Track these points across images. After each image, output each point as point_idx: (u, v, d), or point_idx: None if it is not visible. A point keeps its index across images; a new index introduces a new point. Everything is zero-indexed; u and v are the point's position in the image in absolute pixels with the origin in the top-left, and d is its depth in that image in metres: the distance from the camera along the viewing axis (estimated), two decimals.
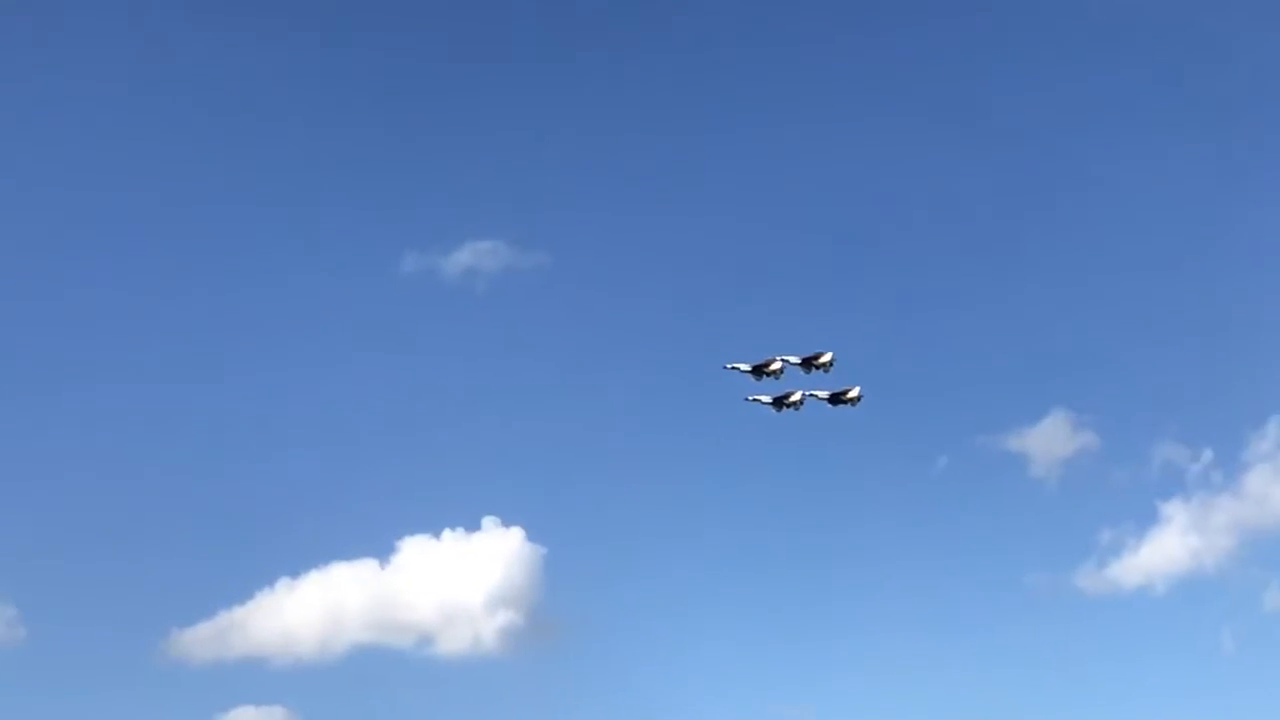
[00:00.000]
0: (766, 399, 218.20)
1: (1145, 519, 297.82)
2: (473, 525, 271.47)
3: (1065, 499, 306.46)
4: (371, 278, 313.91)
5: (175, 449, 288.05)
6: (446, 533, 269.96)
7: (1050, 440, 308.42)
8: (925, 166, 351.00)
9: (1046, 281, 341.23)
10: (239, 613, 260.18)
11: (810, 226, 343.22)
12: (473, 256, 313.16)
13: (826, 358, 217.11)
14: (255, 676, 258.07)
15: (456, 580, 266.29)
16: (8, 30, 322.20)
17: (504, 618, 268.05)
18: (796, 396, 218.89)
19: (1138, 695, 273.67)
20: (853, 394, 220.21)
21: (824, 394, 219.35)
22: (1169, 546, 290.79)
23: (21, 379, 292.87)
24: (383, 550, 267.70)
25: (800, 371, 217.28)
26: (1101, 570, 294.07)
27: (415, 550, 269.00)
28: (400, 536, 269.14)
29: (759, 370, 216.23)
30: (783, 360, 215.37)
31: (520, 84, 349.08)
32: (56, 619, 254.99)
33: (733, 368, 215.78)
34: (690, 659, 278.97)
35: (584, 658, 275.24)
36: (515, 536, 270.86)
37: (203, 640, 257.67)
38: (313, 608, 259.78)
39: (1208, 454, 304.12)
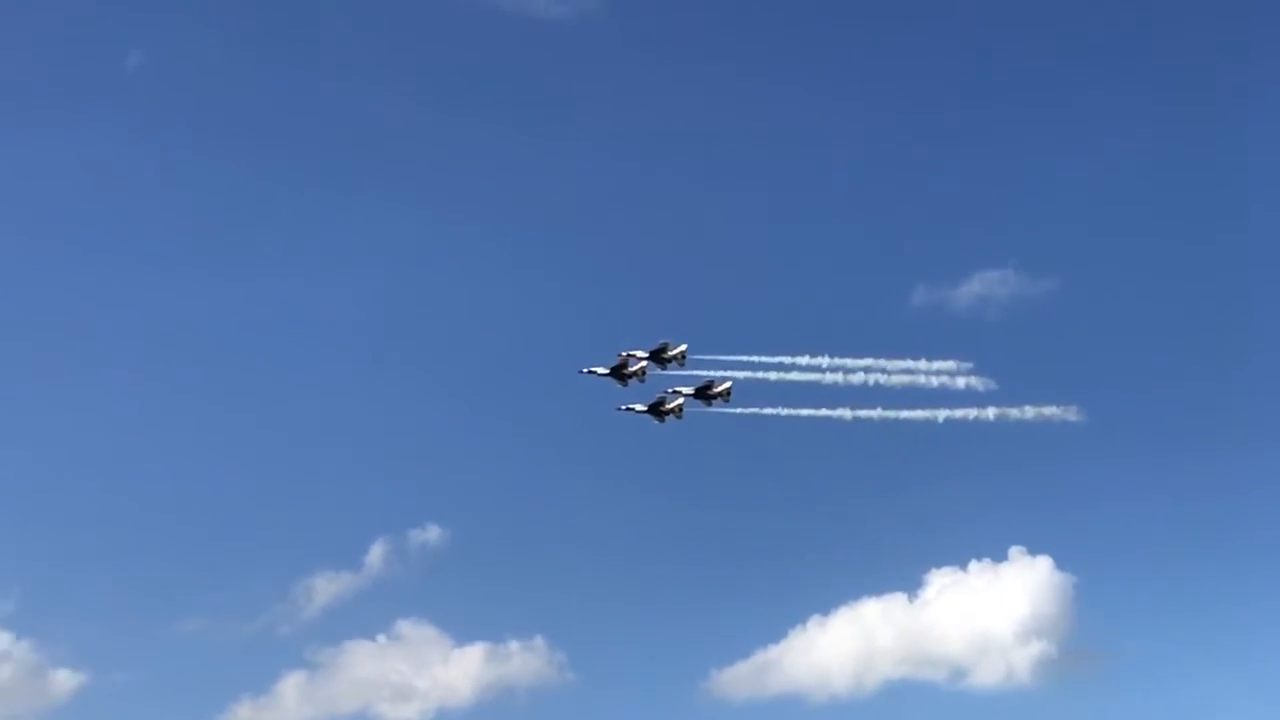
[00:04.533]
0: (641, 407, 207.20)
1: None
2: (999, 555, 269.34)
3: None
4: (883, 311, 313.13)
5: (705, 494, 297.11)
6: (973, 564, 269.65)
7: None
8: None
9: None
10: (774, 651, 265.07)
11: None
12: (982, 286, 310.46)
13: (678, 350, 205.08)
14: (792, 714, 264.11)
15: (986, 611, 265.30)
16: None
17: (1037, 649, 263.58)
18: (678, 402, 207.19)
19: None
20: (722, 388, 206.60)
21: (689, 390, 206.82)
22: None
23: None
24: (910, 584, 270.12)
25: (654, 366, 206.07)
26: None
27: (943, 582, 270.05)
28: (927, 569, 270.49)
29: (618, 373, 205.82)
30: (629, 356, 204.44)
31: (1029, 112, 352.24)
32: (603, 663, 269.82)
33: (589, 372, 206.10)
34: (1241, 686, 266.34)
35: (1125, 690, 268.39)
36: (1043, 565, 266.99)
37: (741, 679, 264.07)
38: (844, 644, 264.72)
39: None
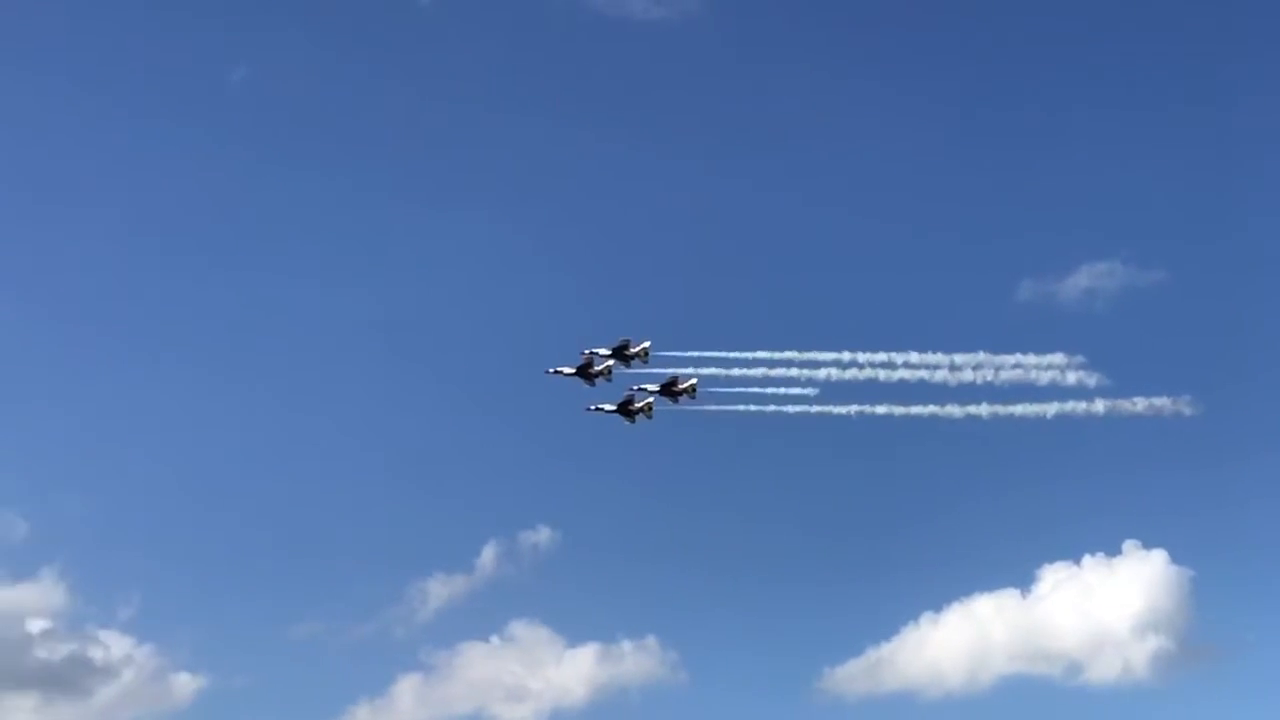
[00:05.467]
0: (610, 407, 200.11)
1: None
2: (1113, 550, 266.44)
3: None
4: (989, 306, 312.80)
5: (816, 492, 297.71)
6: (1087, 558, 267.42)
7: None
8: None
9: None
10: (886, 649, 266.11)
11: None
12: (1090, 279, 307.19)
13: (642, 346, 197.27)
14: (907, 711, 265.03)
15: (1101, 606, 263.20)
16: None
17: (1154, 644, 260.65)
18: (647, 401, 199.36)
19: None
20: (686, 385, 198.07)
21: (654, 387, 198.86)
22: None
23: None
24: (1023, 579, 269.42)
25: (619, 365, 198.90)
26: None
27: (1057, 578, 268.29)
28: (1040, 565, 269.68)
29: (584, 372, 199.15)
30: (593, 354, 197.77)
31: (1133, 101, 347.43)
32: (716, 662, 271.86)
33: (555, 372, 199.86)
34: None
35: (1246, 685, 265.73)
36: (1159, 559, 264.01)
37: (854, 677, 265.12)
38: (958, 640, 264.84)
39: None
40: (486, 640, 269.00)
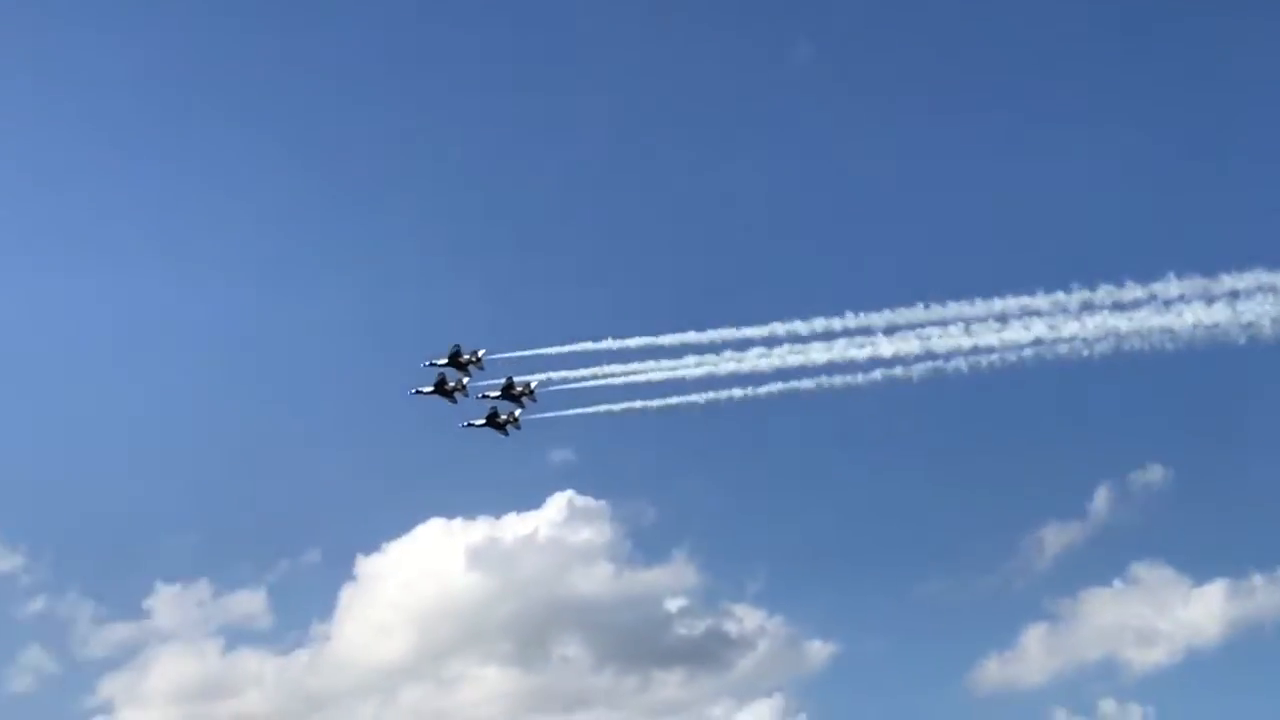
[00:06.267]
0: (480, 422, 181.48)
1: None
2: None
3: None
4: None
5: None
6: None
7: None
8: None
9: None
10: None
11: None
12: None
13: (474, 353, 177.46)
14: None
15: None
16: None
17: None
18: (512, 410, 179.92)
19: None
20: (522, 388, 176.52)
21: (496, 394, 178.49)
22: None
23: None
24: None
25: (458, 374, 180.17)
26: None
27: None
28: None
29: (441, 389, 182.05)
30: (433, 365, 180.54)
31: None
32: None
33: (417, 392, 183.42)
34: None
35: None
36: None
37: None
38: None
39: None
40: (1109, 585, 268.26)
